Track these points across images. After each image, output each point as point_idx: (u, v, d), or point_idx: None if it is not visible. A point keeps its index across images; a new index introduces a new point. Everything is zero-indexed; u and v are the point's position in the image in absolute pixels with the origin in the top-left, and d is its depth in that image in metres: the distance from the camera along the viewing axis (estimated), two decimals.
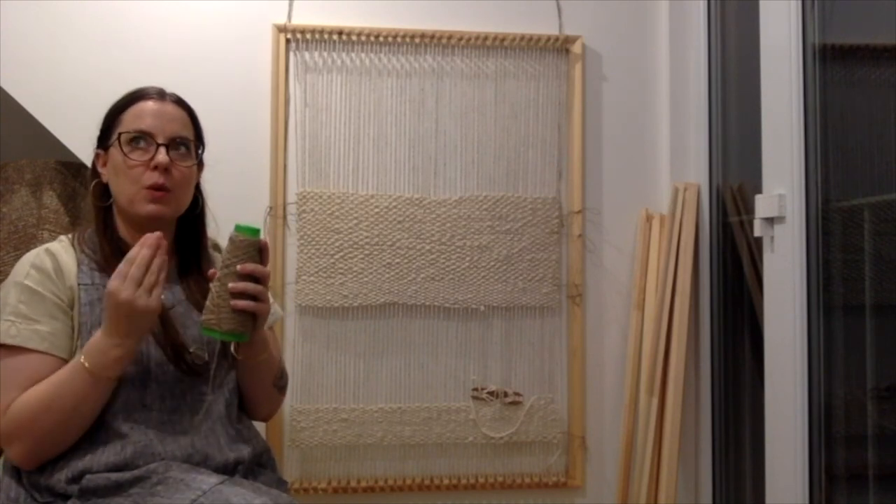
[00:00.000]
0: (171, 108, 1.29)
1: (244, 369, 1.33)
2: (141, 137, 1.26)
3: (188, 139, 1.30)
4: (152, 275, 1.14)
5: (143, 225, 1.28)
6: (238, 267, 1.17)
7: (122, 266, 1.14)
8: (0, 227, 1.82)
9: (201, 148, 1.35)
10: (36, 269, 1.22)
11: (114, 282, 1.13)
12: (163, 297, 1.26)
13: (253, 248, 1.20)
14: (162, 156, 1.24)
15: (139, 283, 1.13)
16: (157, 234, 1.16)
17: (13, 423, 1.15)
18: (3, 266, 1.78)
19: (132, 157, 1.25)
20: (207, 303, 1.18)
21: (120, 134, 1.26)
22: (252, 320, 1.19)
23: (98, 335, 1.15)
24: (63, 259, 1.24)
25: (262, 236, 1.22)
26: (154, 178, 1.25)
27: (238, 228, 1.20)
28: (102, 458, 1.17)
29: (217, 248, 1.43)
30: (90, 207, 1.32)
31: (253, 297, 1.18)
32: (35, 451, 1.17)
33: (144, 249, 1.14)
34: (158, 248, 1.15)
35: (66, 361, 1.19)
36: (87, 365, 1.13)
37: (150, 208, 1.26)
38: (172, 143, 1.27)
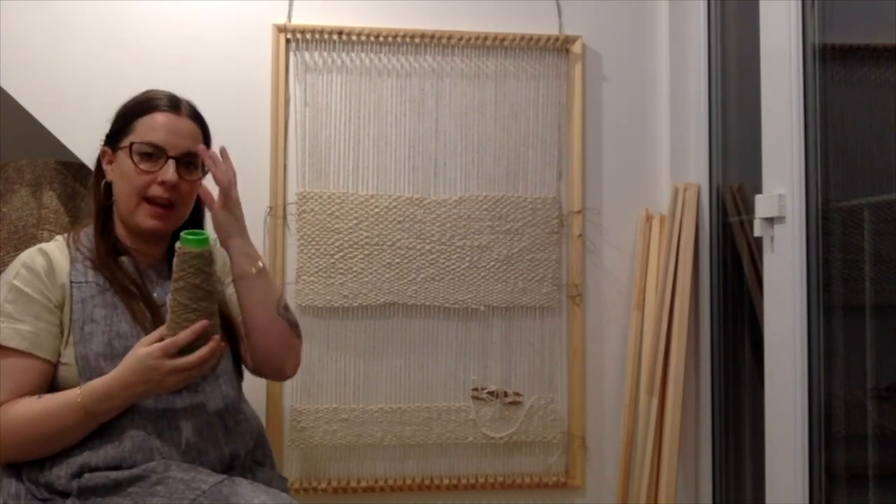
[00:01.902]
0: (185, 123, 1.29)
1: (242, 297, 1.32)
2: (152, 150, 1.26)
3: (197, 154, 1.30)
4: (196, 371, 1.16)
5: (142, 234, 1.30)
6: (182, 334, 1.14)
7: (169, 345, 1.13)
8: (0, 227, 1.82)
9: None
10: (26, 268, 1.23)
11: (164, 360, 1.13)
12: (155, 294, 1.28)
13: (201, 259, 1.14)
14: (170, 173, 1.25)
15: (182, 372, 1.14)
16: (222, 346, 1.17)
17: None
18: (3, 266, 1.78)
19: (141, 167, 1.25)
20: (168, 318, 1.16)
21: (132, 144, 1.26)
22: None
23: (107, 381, 1.15)
24: (56, 258, 1.25)
25: (209, 244, 1.16)
26: (159, 192, 1.26)
27: (184, 240, 1.14)
28: (101, 454, 1.17)
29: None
30: (90, 205, 1.33)
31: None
32: (8, 456, 1.19)
33: (206, 351, 1.15)
34: (215, 355, 1.17)
35: (47, 362, 1.20)
36: (82, 403, 1.15)
37: (151, 223, 1.27)
38: (182, 159, 1.27)
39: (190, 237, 1.14)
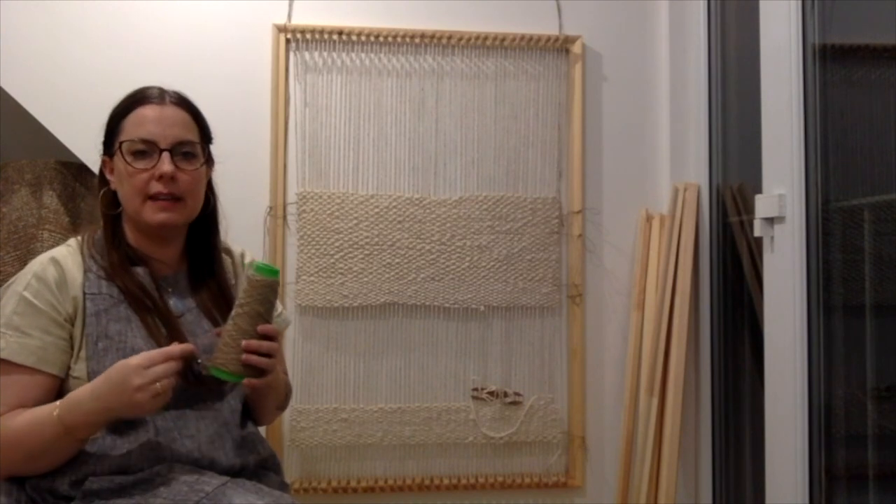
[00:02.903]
0: (171, 111, 1.25)
1: (252, 394, 1.32)
2: (143, 145, 1.22)
3: (192, 141, 1.26)
4: (165, 382, 1.10)
5: (154, 233, 1.26)
6: (258, 329, 1.16)
7: (156, 354, 1.11)
8: (0, 227, 1.82)
9: (208, 145, 1.31)
10: (37, 279, 1.19)
11: (140, 370, 1.09)
12: (171, 302, 1.25)
13: (269, 288, 1.17)
14: (166, 165, 1.21)
15: (149, 386, 1.09)
16: (191, 349, 1.14)
17: None
18: (3, 266, 1.78)
19: (135, 166, 1.22)
20: (221, 341, 1.16)
21: (121, 143, 1.23)
22: (258, 369, 1.18)
23: (85, 391, 1.12)
24: (69, 267, 1.22)
25: (278, 275, 1.19)
26: (159, 188, 1.22)
27: (257, 269, 1.16)
28: (107, 463, 1.16)
29: (228, 252, 1.40)
30: (99, 215, 1.29)
31: (266, 353, 1.17)
32: (3, 472, 1.17)
33: (173, 363, 1.11)
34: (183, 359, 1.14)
35: (53, 377, 1.17)
36: (59, 416, 1.11)
37: (160, 217, 1.23)
38: (176, 148, 1.23)
39: (262, 267, 1.16)
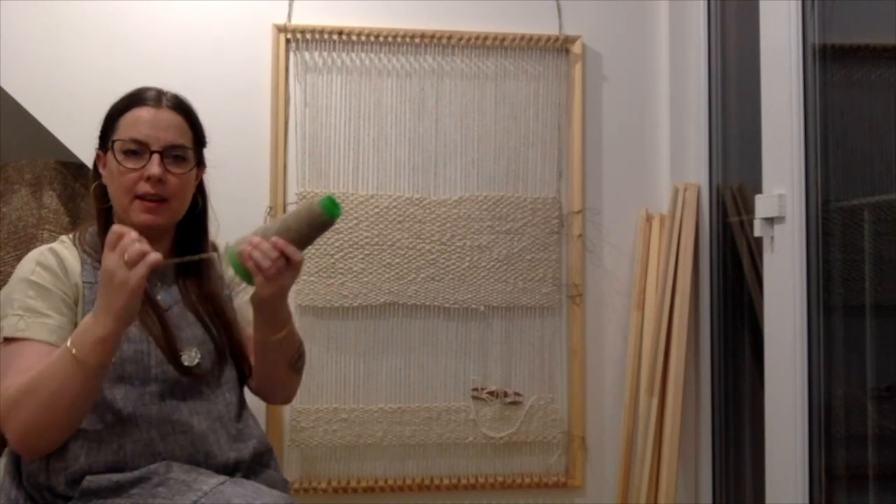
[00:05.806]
0: (166, 115, 1.27)
1: (263, 347, 1.31)
2: (135, 146, 1.24)
3: (184, 146, 1.28)
4: (134, 250, 1.09)
5: (140, 231, 1.27)
6: (277, 242, 1.16)
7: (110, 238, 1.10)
8: (0, 227, 1.82)
9: (201, 149, 1.33)
10: (42, 266, 1.22)
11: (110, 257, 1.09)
12: (159, 297, 1.27)
13: (321, 224, 1.17)
14: (154, 167, 1.23)
15: (118, 271, 1.08)
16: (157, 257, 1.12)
17: (5, 403, 1.12)
18: (2, 266, 1.78)
19: (125, 166, 1.24)
20: (249, 235, 1.19)
21: (114, 142, 1.25)
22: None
23: (87, 316, 1.12)
24: (66, 257, 1.25)
25: (336, 217, 1.18)
26: (147, 188, 1.23)
27: (323, 202, 1.15)
28: (101, 458, 1.16)
29: (214, 247, 1.40)
30: (91, 208, 1.32)
31: (272, 265, 1.17)
32: (24, 433, 1.13)
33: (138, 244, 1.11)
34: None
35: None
36: (72, 349, 1.10)
37: (144, 218, 1.24)
38: (167, 151, 1.25)
39: (327, 203, 1.16)
